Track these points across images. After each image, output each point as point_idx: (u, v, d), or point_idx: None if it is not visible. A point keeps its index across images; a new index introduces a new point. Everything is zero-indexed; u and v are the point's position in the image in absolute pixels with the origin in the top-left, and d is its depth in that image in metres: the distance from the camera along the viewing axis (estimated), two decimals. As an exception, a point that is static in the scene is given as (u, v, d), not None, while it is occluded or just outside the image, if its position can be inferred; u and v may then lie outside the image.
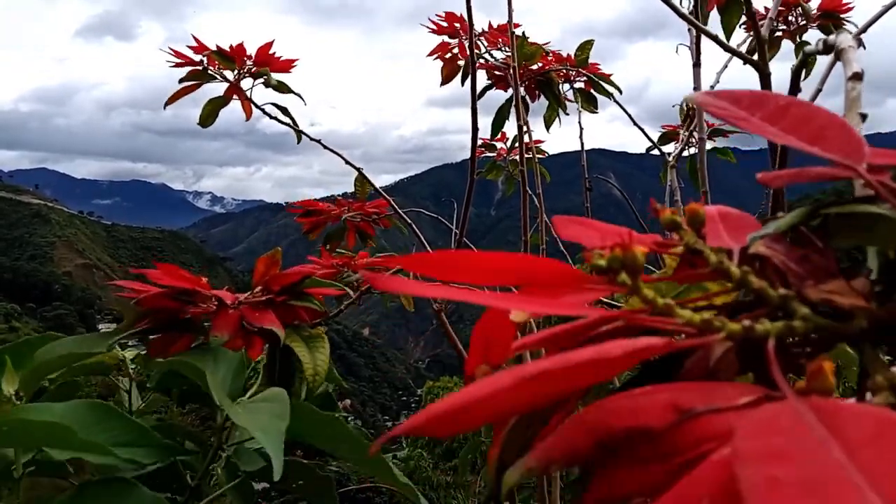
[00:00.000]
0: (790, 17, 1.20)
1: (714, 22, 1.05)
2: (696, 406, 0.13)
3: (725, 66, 1.13)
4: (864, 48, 0.34)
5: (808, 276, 0.17)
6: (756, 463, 0.10)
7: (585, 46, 1.32)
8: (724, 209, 0.23)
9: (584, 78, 1.34)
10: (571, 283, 0.18)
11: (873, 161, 0.18)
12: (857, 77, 0.30)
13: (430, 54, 1.30)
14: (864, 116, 0.28)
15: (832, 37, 0.38)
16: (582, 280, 0.18)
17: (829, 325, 0.16)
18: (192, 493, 0.60)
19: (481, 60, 1.27)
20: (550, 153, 1.55)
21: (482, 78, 1.28)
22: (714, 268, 0.18)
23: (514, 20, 1.13)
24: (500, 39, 1.27)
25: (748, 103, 0.22)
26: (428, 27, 1.28)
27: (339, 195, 1.38)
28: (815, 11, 1.18)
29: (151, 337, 0.65)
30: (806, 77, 1.00)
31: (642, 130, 1.30)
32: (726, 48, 0.75)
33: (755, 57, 0.70)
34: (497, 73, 1.28)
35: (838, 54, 0.34)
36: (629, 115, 1.29)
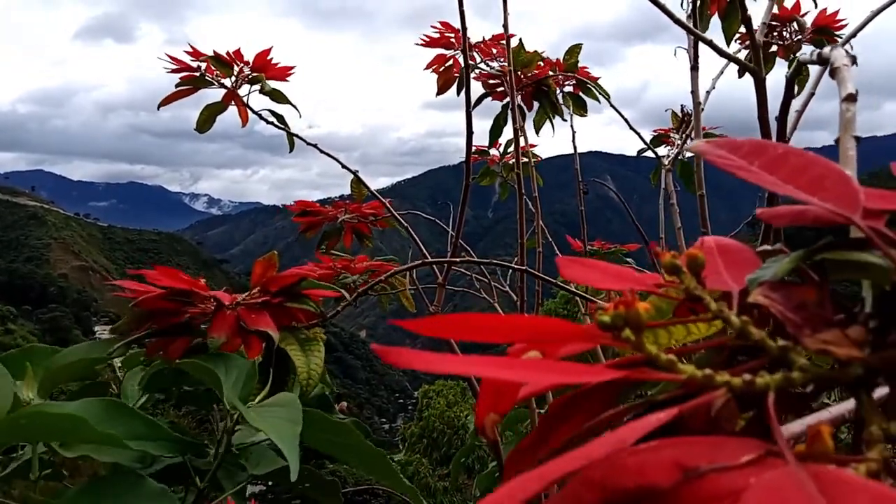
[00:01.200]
0: (784, 33, 1.21)
1: (714, 27, 1.06)
2: (701, 464, 0.13)
3: (721, 73, 1.14)
4: (857, 65, 0.33)
5: (805, 324, 0.18)
6: None
7: (574, 51, 1.33)
8: (722, 242, 0.23)
9: (573, 82, 1.34)
10: (576, 338, 0.19)
11: (870, 205, 0.19)
12: (852, 98, 0.30)
13: (427, 67, 1.31)
14: (857, 140, 0.28)
15: (826, 49, 0.38)
16: (586, 335, 0.19)
17: (825, 375, 0.17)
18: (199, 495, 0.61)
19: (476, 72, 1.27)
20: (546, 156, 1.55)
21: (478, 88, 1.29)
22: (714, 315, 0.19)
23: (511, 25, 1.14)
24: (493, 50, 1.28)
25: (747, 151, 0.22)
26: (421, 40, 1.28)
27: (336, 198, 1.38)
28: (808, 27, 1.19)
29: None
30: (801, 86, 1.01)
31: (637, 133, 1.30)
32: (722, 53, 0.76)
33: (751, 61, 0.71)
34: (492, 81, 1.29)
35: (832, 72, 0.34)
36: (625, 119, 1.29)
